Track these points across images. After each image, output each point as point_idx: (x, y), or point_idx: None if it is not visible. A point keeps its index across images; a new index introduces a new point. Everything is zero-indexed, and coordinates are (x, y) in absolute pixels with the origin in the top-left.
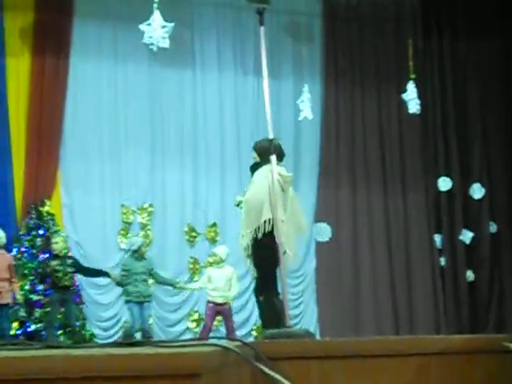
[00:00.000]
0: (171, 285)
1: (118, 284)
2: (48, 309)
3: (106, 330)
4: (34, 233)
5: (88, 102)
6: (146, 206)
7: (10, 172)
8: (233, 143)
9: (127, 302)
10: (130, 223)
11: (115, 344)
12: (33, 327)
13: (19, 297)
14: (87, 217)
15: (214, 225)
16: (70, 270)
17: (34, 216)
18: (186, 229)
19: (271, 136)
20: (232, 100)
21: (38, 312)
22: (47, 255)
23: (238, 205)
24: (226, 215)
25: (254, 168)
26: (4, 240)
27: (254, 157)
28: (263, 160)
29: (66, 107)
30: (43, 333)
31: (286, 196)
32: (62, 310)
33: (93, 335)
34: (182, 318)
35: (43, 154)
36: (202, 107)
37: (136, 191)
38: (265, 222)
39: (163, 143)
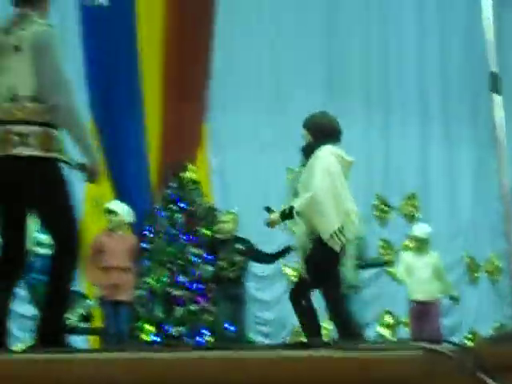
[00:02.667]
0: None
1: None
2: (192, 307)
3: (266, 335)
4: (173, 207)
5: (241, 36)
6: None
7: (141, 130)
8: (437, 91)
9: None
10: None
11: (290, 346)
12: (172, 330)
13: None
14: (242, 185)
15: (413, 196)
16: (237, 258)
17: (173, 185)
18: (375, 201)
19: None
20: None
21: (178, 311)
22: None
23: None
24: (428, 184)
25: (308, 150)
26: (128, 218)
27: (305, 135)
28: (319, 140)
29: (213, 43)
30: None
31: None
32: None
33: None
34: (370, 321)
35: (184, 106)
36: (396, 45)
37: None
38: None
39: (342, 90)
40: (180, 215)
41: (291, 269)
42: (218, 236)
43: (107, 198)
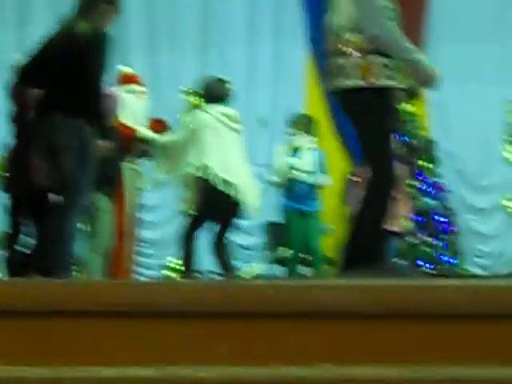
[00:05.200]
0: None
1: None
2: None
3: (485, 268)
4: None
5: None
6: None
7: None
8: None
9: None
10: None
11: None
12: None
13: None
14: (462, 118)
15: None
16: None
17: None
18: None
19: None
20: None
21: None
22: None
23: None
24: None
25: None
26: None
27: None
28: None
29: None
30: None
31: None
32: None
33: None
34: None
35: None
36: None
37: None
38: None
39: None
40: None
41: (510, 201)
42: None
43: (324, 132)
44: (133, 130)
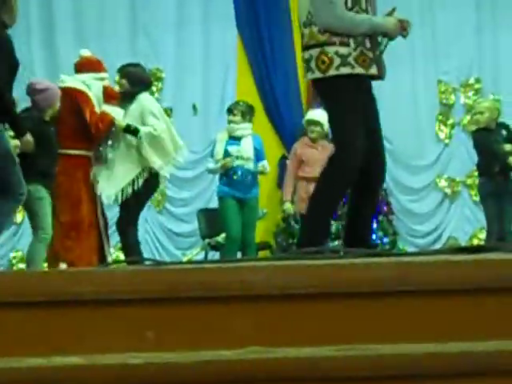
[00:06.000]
0: None
1: None
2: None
3: (421, 247)
4: None
5: None
6: (471, 81)
7: (290, 45)
8: None
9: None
10: (450, 105)
11: (455, 250)
12: None
13: None
14: (393, 99)
15: None
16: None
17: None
18: None
19: None
20: None
21: None
22: None
23: None
24: None
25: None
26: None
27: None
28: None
29: None
30: None
31: None
32: None
33: None
34: None
35: None
36: None
37: (457, 61)
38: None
39: None
40: None
41: (445, 180)
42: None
43: (258, 117)
44: (111, 118)
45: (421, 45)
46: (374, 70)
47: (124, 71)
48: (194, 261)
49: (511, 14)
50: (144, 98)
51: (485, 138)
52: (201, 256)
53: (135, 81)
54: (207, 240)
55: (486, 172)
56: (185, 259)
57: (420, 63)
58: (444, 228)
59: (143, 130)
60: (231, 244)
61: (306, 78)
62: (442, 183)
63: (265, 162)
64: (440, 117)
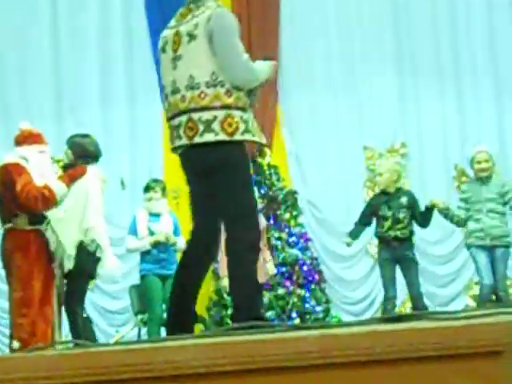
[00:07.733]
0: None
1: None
2: (280, 291)
3: (356, 315)
4: None
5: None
6: (396, 146)
7: None
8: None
9: (469, 246)
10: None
11: (377, 320)
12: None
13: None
14: (320, 166)
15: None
16: (403, 213)
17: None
18: (454, 173)
19: None
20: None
21: (266, 296)
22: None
23: None
24: (508, 151)
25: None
26: None
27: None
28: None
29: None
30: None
31: None
32: None
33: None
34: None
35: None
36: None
37: (382, 128)
38: None
39: (413, 61)
40: (260, 200)
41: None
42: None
43: None
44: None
45: (345, 112)
46: (264, 139)
47: (70, 142)
48: (122, 342)
49: (432, 79)
50: (89, 178)
51: (377, 201)
52: (134, 333)
53: (79, 152)
54: (140, 316)
55: (381, 238)
56: (116, 337)
57: (345, 130)
58: (377, 294)
59: None
60: (153, 324)
61: (200, 138)
62: (373, 249)
63: (181, 238)
64: (368, 183)
